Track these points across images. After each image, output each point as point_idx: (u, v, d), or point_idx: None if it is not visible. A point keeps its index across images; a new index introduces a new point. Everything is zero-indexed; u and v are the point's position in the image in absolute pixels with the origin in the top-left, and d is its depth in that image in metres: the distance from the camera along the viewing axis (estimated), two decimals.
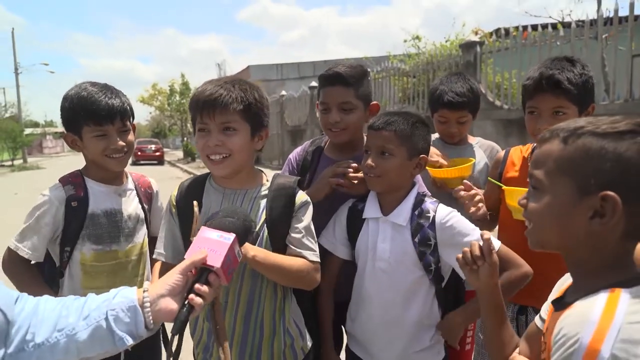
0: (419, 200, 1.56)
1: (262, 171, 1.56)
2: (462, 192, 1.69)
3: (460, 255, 1.16)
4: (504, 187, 1.62)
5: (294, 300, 1.54)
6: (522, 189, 1.55)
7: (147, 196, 1.85)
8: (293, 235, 1.44)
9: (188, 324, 1.52)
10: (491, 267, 1.11)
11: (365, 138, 1.81)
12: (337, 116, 1.71)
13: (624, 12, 6.40)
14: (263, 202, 1.45)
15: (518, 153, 1.79)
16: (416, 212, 1.53)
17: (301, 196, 1.49)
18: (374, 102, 1.81)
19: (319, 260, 1.47)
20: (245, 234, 1.15)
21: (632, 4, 6.26)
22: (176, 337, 0.98)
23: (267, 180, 1.51)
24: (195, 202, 1.33)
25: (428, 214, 1.52)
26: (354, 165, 1.66)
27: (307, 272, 1.42)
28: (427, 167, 1.71)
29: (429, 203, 1.55)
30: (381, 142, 1.52)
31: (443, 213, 1.52)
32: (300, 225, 1.45)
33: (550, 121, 1.50)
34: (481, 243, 1.13)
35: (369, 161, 1.53)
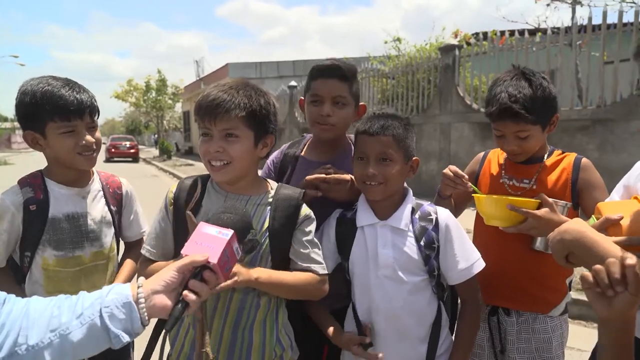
0: (416, 204, 1.54)
1: (266, 180, 1.53)
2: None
3: (588, 274, 0.87)
4: (474, 195, 1.62)
5: (286, 311, 1.51)
6: (492, 196, 1.57)
7: (115, 197, 1.74)
8: (300, 250, 1.42)
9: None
10: (635, 297, 0.82)
11: (348, 139, 1.79)
12: (329, 109, 1.66)
13: (597, 20, 6.60)
14: (266, 210, 1.42)
15: (496, 156, 1.80)
16: (416, 216, 1.50)
17: (305, 209, 1.46)
18: (362, 102, 1.79)
19: (326, 272, 1.45)
20: (243, 231, 1.13)
21: (605, 12, 6.45)
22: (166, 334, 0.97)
23: (272, 189, 1.48)
24: (189, 213, 1.31)
25: (430, 217, 1.50)
26: (327, 168, 1.62)
27: (313, 285, 1.42)
28: None
29: (427, 205, 1.53)
30: (381, 148, 1.47)
31: (445, 214, 1.52)
32: (306, 239, 1.44)
33: (516, 142, 1.59)
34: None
35: (370, 169, 1.46)
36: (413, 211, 1.52)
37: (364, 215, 1.53)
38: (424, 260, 1.47)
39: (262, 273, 1.32)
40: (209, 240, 1.03)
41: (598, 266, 0.86)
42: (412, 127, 1.57)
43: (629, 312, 0.85)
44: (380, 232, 1.50)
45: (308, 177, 1.62)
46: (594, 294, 0.86)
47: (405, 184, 1.60)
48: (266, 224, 1.40)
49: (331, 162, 1.69)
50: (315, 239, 1.47)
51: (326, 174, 1.60)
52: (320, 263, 1.44)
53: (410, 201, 1.54)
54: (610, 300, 0.84)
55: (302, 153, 1.84)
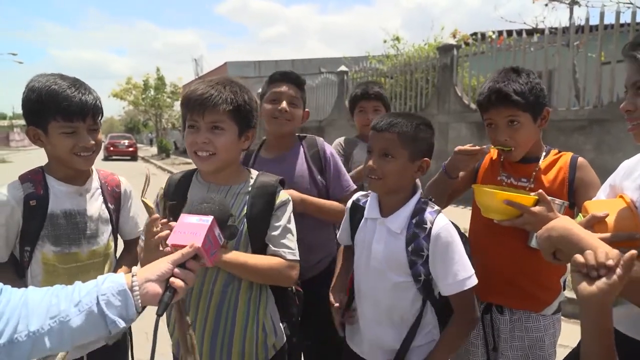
0: (419, 208, 1.52)
1: (248, 169, 1.61)
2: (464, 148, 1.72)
3: (579, 256, 0.93)
4: (475, 185, 1.65)
5: (271, 295, 1.56)
6: (492, 190, 1.57)
7: (114, 195, 1.77)
8: (272, 234, 1.49)
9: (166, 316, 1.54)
10: (619, 280, 0.88)
11: (294, 143, 2.03)
12: (286, 106, 1.96)
13: (594, 20, 6.63)
14: (245, 198, 1.50)
15: (496, 152, 1.82)
16: (414, 221, 1.50)
17: (282, 195, 1.54)
18: (307, 109, 2.11)
19: (295, 258, 1.51)
20: (223, 218, 1.20)
21: (603, 13, 6.47)
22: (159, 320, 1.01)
23: (252, 178, 1.56)
24: (144, 199, 1.34)
25: (425, 225, 1.48)
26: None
27: (279, 270, 1.46)
28: None
29: (428, 212, 1.51)
30: (383, 143, 1.50)
31: (440, 225, 1.48)
32: (278, 224, 1.50)
33: (507, 131, 1.62)
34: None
35: (370, 162, 1.51)
36: (415, 215, 1.50)
37: (371, 208, 1.61)
38: (410, 265, 1.48)
39: (228, 254, 1.38)
40: (191, 228, 1.10)
41: (588, 250, 0.92)
42: (431, 128, 1.57)
43: (606, 295, 0.88)
44: (378, 229, 1.56)
45: None
46: (579, 274, 0.92)
47: (417, 185, 1.61)
48: (244, 211, 1.48)
49: (281, 159, 1.95)
50: (289, 224, 1.53)
51: None
52: (290, 248, 1.50)
53: (414, 203, 1.53)
54: (592, 280, 0.90)
55: (260, 150, 2.08)
